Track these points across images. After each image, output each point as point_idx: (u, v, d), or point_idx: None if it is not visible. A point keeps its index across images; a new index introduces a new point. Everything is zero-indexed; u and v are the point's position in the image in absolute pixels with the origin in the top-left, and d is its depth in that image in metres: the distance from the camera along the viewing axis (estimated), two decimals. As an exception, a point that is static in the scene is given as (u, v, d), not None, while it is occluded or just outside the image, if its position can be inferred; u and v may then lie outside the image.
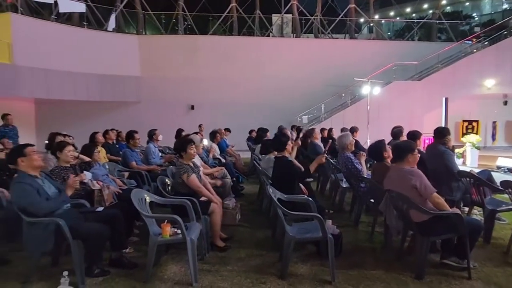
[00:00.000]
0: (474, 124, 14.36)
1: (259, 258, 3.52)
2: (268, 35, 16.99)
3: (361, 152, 4.52)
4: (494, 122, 14.59)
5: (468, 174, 4.01)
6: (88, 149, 4.18)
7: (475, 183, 3.88)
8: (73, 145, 4.10)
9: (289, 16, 16.97)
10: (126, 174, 5.18)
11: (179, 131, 7.35)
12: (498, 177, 4.71)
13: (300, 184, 3.99)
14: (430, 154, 4.50)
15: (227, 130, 9.69)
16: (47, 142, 5.42)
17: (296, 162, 4.46)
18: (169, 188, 4.16)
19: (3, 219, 4.02)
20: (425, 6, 27.74)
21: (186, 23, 16.46)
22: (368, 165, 5.26)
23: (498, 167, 8.11)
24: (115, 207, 3.58)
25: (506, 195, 4.07)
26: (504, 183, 3.40)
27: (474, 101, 14.13)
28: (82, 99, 13.11)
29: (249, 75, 14.63)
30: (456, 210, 3.04)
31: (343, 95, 14.34)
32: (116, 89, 13.81)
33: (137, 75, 14.43)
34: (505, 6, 30.79)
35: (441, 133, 4.56)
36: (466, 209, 4.38)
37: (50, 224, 2.88)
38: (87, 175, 3.72)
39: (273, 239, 4.02)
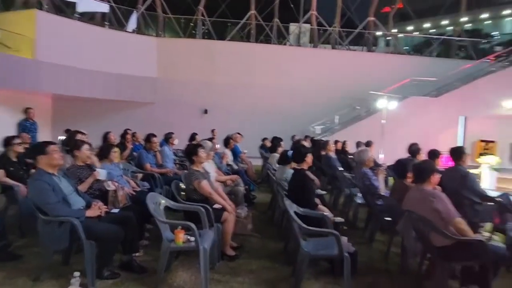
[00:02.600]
0: (491, 144, 14.02)
1: (271, 271, 3.45)
2: (285, 44, 17.01)
3: (380, 169, 4.42)
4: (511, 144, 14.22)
5: (491, 198, 3.87)
6: (106, 149, 4.19)
7: (499, 208, 3.75)
8: (89, 144, 4.12)
9: (307, 26, 16.97)
10: (140, 175, 5.18)
11: (193, 135, 7.35)
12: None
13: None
14: (450, 175, 4.37)
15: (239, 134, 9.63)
16: (62, 138, 5.47)
17: (310, 174, 4.38)
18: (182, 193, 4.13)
19: (17, 214, 4.06)
20: (444, 22, 27.59)
21: (204, 27, 16.61)
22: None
23: (516, 191, 7.86)
24: (129, 209, 3.56)
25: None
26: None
27: (491, 122, 13.80)
28: (98, 97, 13.28)
29: (264, 82, 14.63)
30: (480, 237, 2.92)
31: (358, 107, 14.19)
32: (132, 89, 13.95)
33: (153, 77, 14.57)
34: (527, 26, 30.39)
35: (458, 153, 4.42)
36: (487, 234, 4.22)
37: (65, 223, 2.87)
38: (101, 173, 3.71)
39: (285, 252, 3.94)
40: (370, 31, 16.92)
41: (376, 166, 5.30)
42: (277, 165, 5.24)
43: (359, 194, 4.93)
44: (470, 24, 25.36)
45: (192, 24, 16.59)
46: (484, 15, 30.17)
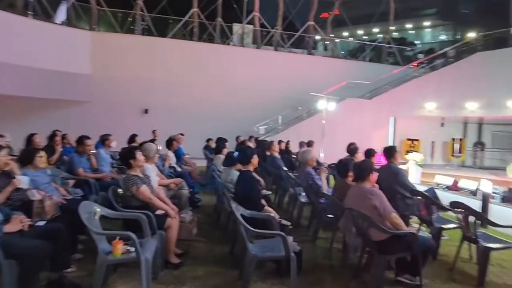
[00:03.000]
0: (416, 143, 15.52)
1: (217, 276, 3.36)
2: (229, 44, 16.95)
3: (322, 168, 4.58)
4: (432, 142, 15.89)
5: (419, 192, 4.24)
6: (29, 154, 3.72)
7: (425, 201, 4.11)
8: (10, 147, 3.64)
9: (250, 27, 17.11)
10: (71, 182, 4.71)
11: (133, 136, 6.91)
12: (438, 194, 5.13)
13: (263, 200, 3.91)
14: (383, 172, 4.69)
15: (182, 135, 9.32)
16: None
17: (256, 175, 4.38)
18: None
19: None
20: (376, 30, 29.98)
21: (144, 23, 15.83)
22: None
23: (438, 184, 8.77)
24: (58, 220, 3.21)
25: (449, 213, 4.37)
26: (454, 203, 3.63)
27: (416, 122, 15.30)
28: (20, 95, 11.89)
29: (207, 82, 14.41)
30: (412, 230, 3.17)
31: (299, 108, 14.69)
32: (61, 86, 12.71)
33: (87, 73, 13.49)
34: (443, 37, 34.40)
35: (391, 152, 4.78)
36: (416, 225, 4.61)
37: (-23, 242, 2.47)
38: (22, 180, 3.28)
39: (232, 255, 3.87)
40: (311, 35, 17.63)
41: (318, 165, 5.50)
42: (223, 167, 5.16)
43: (303, 193, 5.06)
44: (397, 33, 27.85)
45: (130, 19, 15.69)
46: (408, 25, 33.39)
